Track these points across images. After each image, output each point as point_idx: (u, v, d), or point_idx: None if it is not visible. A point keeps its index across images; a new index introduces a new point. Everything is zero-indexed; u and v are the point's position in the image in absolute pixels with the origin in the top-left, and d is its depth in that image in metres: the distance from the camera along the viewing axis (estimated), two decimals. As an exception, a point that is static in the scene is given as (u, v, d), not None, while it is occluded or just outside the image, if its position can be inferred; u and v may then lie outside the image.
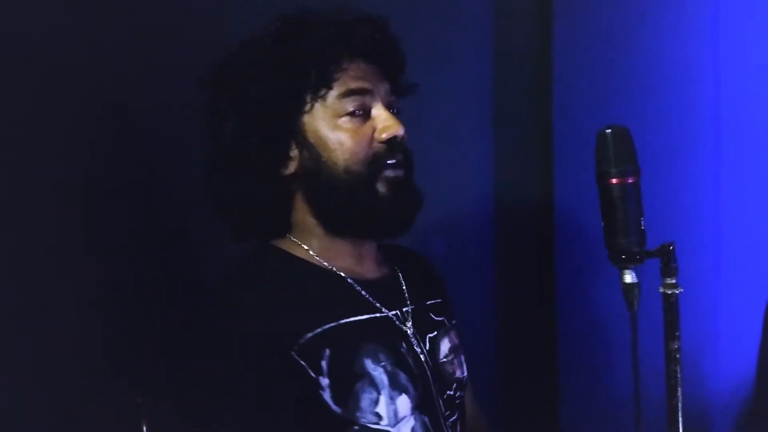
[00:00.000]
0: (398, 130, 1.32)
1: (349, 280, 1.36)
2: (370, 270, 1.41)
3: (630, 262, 1.16)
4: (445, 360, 1.41)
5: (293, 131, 1.33)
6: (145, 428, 1.40)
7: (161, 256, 1.63)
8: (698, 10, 2.02)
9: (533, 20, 2.09)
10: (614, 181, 1.16)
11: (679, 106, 2.01)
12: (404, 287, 1.44)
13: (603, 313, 1.86)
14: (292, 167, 1.34)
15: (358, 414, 1.26)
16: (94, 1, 1.53)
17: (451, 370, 1.41)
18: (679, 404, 1.13)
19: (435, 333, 1.42)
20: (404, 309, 1.40)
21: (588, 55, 2.03)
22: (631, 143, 1.18)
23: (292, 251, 1.37)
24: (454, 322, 1.51)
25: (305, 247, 1.37)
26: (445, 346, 1.43)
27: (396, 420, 1.28)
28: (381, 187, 1.32)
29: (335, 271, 1.36)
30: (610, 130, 1.17)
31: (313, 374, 1.24)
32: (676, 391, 1.14)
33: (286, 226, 1.39)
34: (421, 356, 1.37)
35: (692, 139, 2.02)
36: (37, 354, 1.43)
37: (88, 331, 1.49)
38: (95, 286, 1.52)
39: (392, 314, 1.37)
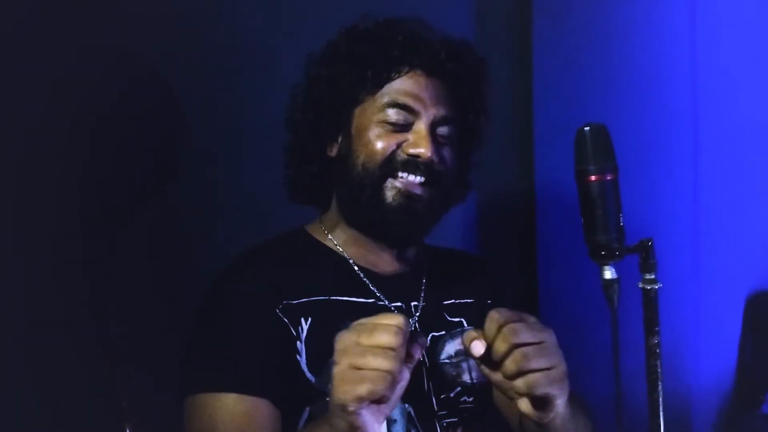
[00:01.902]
0: (424, 150, 1.35)
1: (355, 267, 1.43)
2: (387, 264, 1.45)
3: (609, 258, 1.17)
4: (447, 361, 1.39)
5: (345, 120, 1.40)
6: (128, 432, 1.41)
7: (158, 259, 1.63)
8: (674, 9, 2.03)
9: (513, 19, 2.09)
10: (593, 178, 1.16)
11: (656, 103, 2.02)
12: (423, 285, 1.48)
13: (583, 309, 1.86)
14: (334, 150, 1.43)
15: (330, 386, 1.28)
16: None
17: (454, 373, 1.37)
18: (660, 399, 1.14)
19: (441, 332, 1.43)
20: (413, 303, 1.45)
21: (567, 54, 2.04)
22: (609, 141, 1.18)
23: (316, 236, 1.46)
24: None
25: (329, 237, 1.45)
26: (451, 347, 1.41)
27: None
28: (389, 195, 1.36)
29: (346, 258, 1.43)
30: (588, 128, 1.18)
31: (294, 333, 1.32)
32: (657, 386, 1.14)
33: (324, 203, 1.47)
34: None
35: (670, 136, 2.03)
36: (25, 356, 1.43)
37: (77, 335, 1.49)
38: (87, 293, 1.52)
39: (394, 305, 1.42)
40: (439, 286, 1.49)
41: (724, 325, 2.06)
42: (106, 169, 1.58)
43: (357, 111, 1.40)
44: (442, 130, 1.40)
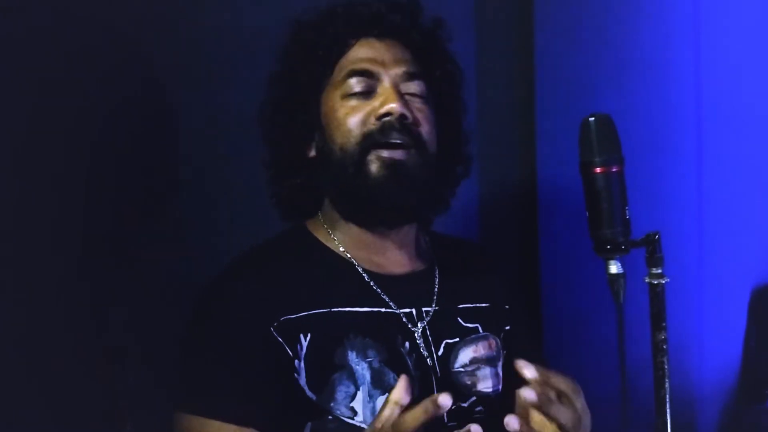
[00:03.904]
0: (394, 105, 1.29)
1: (359, 269, 1.35)
2: (395, 263, 1.38)
3: (615, 253, 1.15)
4: (461, 369, 1.34)
5: (315, 113, 1.36)
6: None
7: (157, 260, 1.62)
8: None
9: (515, 9, 2.08)
10: (598, 170, 1.15)
11: (661, 95, 2.01)
12: (436, 286, 1.40)
13: (589, 304, 1.85)
14: (313, 150, 1.37)
15: (332, 404, 1.25)
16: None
17: (469, 382, 1.34)
18: (667, 396, 1.12)
19: (455, 339, 1.36)
20: (424, 308, 1.36)
21: (570, 44, 2.02)
22: (614, 132, 1.16)
23: (317, 235, 1.38)
24: (506, 329, 1.44)
25: (330, 234, 1.38)
26: (465, 355, 1.35)
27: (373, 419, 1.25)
28: (373, 168, 1.29)
29: (349, 260, 1.35)
30: (593, 119, 1.16)
31: (290, 354, 1.25)
32: (664, 382, 1.13)
33: (316, 209, 1.40)
34: (428, 360, 1.33)
35: (675, 128, 2.02)
36: (24, 355, 1.42)
37: (77, 334, 1.48)
38: (87, 292, 1.51)
39: (403, 312, 1.34)
40: (452, 287, 1.40)
41: (728, 319, 2.05)
42: (105, 168, 1.57)
43: (322, 99, 1.35)
44: (409, 86, 1.34)
